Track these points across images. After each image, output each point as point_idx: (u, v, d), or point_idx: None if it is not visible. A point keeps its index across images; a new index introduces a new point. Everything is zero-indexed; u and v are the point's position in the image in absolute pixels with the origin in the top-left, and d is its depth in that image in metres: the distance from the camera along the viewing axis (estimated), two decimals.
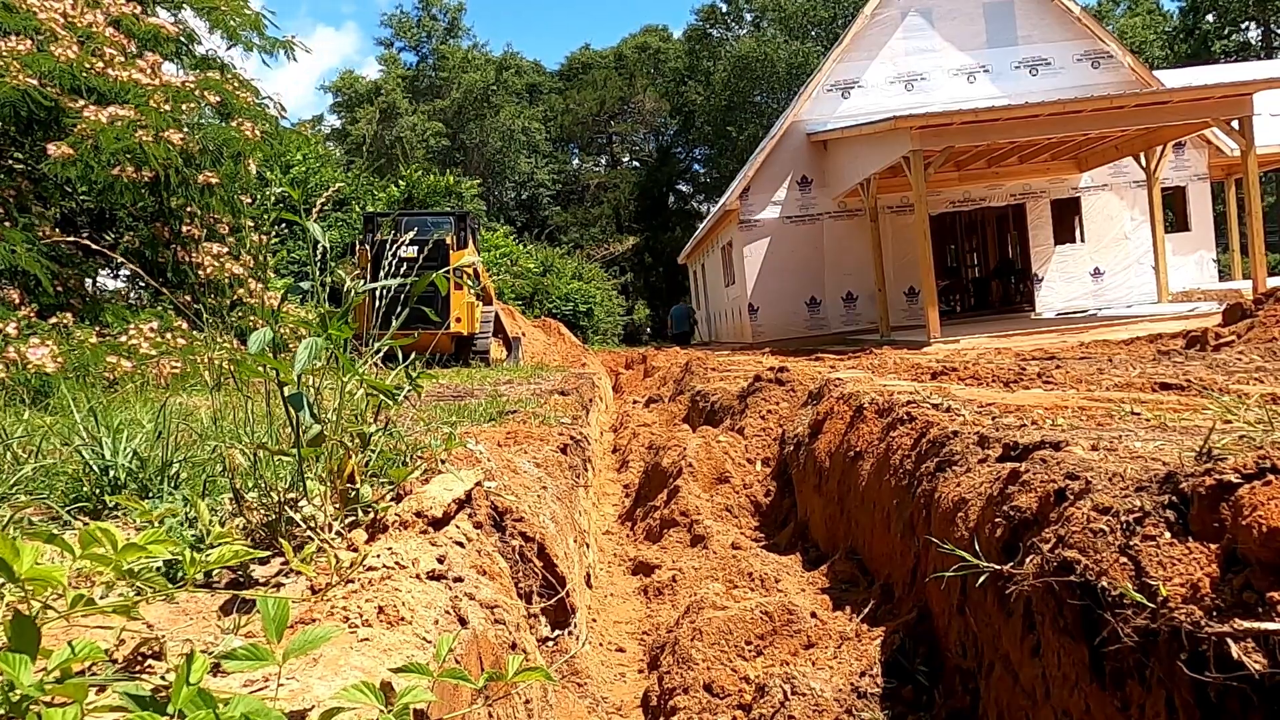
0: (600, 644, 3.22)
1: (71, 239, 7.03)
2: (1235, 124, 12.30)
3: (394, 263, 2.30)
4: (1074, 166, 17.02)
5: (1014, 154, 15.85)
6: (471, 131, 47.99)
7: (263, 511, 1.77)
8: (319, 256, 1.87)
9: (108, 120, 6.89)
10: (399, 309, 2.20)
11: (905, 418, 3.12)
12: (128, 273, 8.37)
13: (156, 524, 1.51)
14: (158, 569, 1.37)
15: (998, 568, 1.79)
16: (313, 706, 1.05)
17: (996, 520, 1.91)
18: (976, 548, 1.93)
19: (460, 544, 1.99)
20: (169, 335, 6.69)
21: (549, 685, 2.25)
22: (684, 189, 55.47)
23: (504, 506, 2.46)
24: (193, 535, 1.58)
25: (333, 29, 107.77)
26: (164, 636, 1.26)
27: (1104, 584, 1.40)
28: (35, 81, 6.78)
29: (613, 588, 4.00)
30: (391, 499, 2.03)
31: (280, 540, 1.64)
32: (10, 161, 7.76)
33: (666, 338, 32.52)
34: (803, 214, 17.61)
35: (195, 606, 1.46)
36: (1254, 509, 1.22)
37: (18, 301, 6.41)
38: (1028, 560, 1.67)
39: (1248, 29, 42.30)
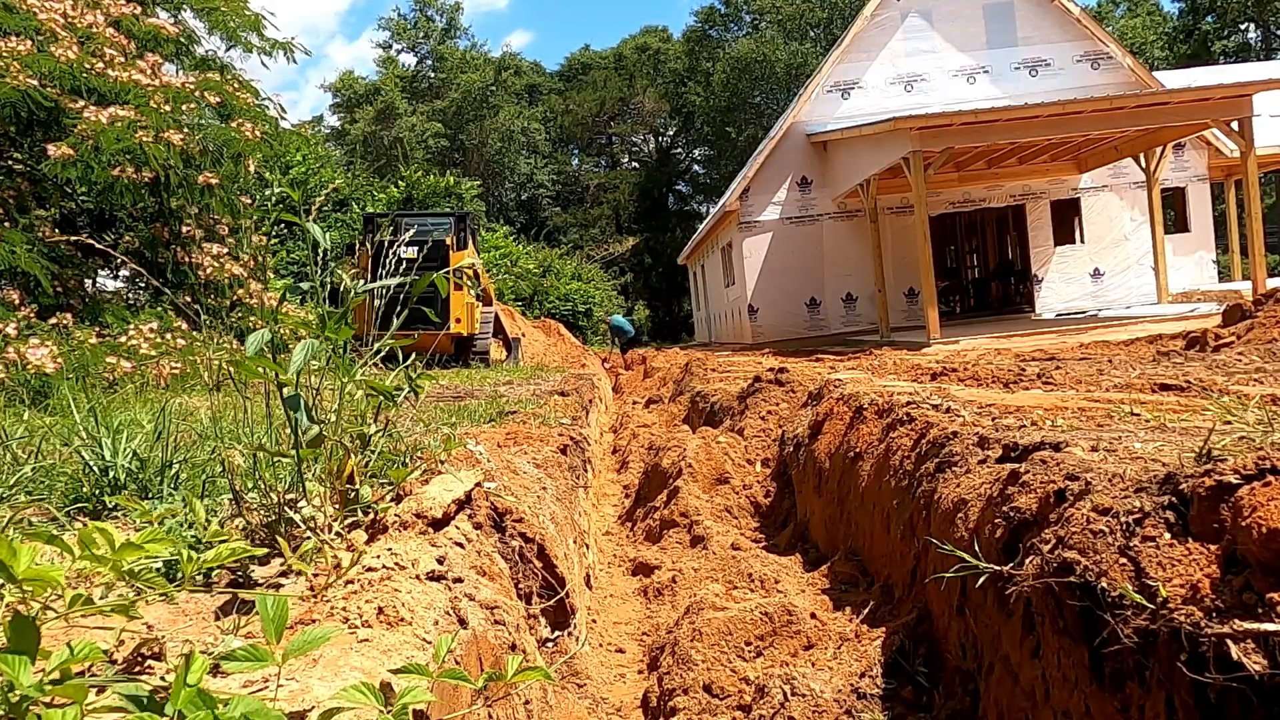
0: (600, 645, 3.22)
1: (71, 240, 7.04)
2: (1235, 125, 12.30)
3: (394, 263, 2.30)
4: (1074, 167, 17.03)
5: (1014, 155, 15.85)
6: (471, 132, 47.97)
7: (262, 512, 1.77)
8: (318, 257, 1.87)
9: (108, 121, 6.89)
10: (399, 310, 2.20)
11: (905, 418, 3.12)
12: (127, 273, 8.37)
13: (156, 524, 1.51)
14: (157, 569, 1.37)
15: (997, 569, 1.79)
16: (312, 707, 1.05)
17: (996, 521, 1.91)
18: (976, 548, 1.92)
19: (460, 545, 1.99)
20: (169, 336, 6.69)
21: (549, 686, 2.25)
22: (684, 190, 55.49)
23: (504, 507, 2.46)
24: (192, 535, 1.58)
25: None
26: (163, 637, 1.26)
27: (1104, 585, 1.40)
28: (35, 82, 6.78)
29: (612, 588, 3.99)
30: (391, 500, 2.03)
31: (280, 541, 1.64)
32: (10, 162, 7.76)
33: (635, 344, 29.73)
34: (803, 215, 17.61)
35: (195, 607, 1.46)
36: (1254, 510, 1.22)
37: (17, 302, 6.41)
38: (1027, 561, 1.67)
39: (1247, 30, 42.33)
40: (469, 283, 12.80)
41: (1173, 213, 18.30)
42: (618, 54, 56.02)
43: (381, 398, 1.98)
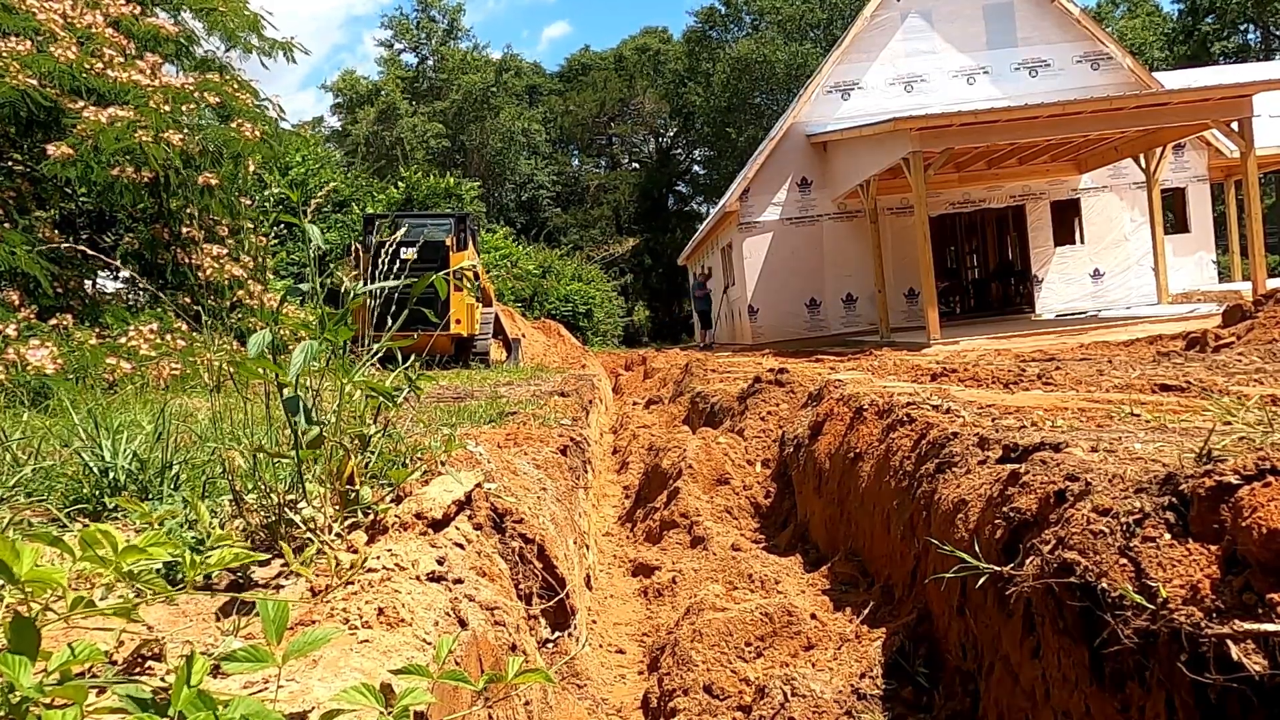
0: (600, 645, 3.22)
1: (71, 241, 7.03)
2: (1235, 125, 12.30)
3: (393, 264, 2.29)
4: (1074, 168, 17.03)
5: (1014, 155, 15.85)
6: (472, 133, 47.96)
7: (262, 513, 1.77)
8: (317, 258, 1.87)
9: (107, 121, 6.89)
10: (395, 310, 2.20)
11: (905, 419, 3.12)
12: (127, 274, 8.37)
13: (156, 526, 1.51)
14: (157, 571, 1.37)
15: (998, 569, 1.79)
16: (313, 708, 1.05)
17: (996, 521, 1.91)
18: (976, 549, 1.92)
19: (460, 545, 1.99)
20: (169, 337, 6.69)
21: (549, 687, 2.25)
22: (684, 190, 55.49)
23: (504, 508, 2.46)
24: (193, 537, 1.58)
25: None
26: (164, 638, 1.26)
27: (1104, 585, 1.40)
28: (35, 82, 6.78)
29: (613, 589, 3.99)
30: (391, 500, 2.03)
31: (280, 542, 1.64)
32: (10, 162, 7.75)
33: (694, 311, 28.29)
34: (803, 215, 17.61)
35: (195, 608, 1.46)
36: (1254, 510, 1.22)
37: (17, 303, 6.40)
38: (1028, 561, 1.67)
39: (1247, 31, 42.33)
40: (469, 284, 12.80)
41: (1172, 213, 18.29)
42: (618, 55, 56.02)
43: (381, 399, 1.98)
